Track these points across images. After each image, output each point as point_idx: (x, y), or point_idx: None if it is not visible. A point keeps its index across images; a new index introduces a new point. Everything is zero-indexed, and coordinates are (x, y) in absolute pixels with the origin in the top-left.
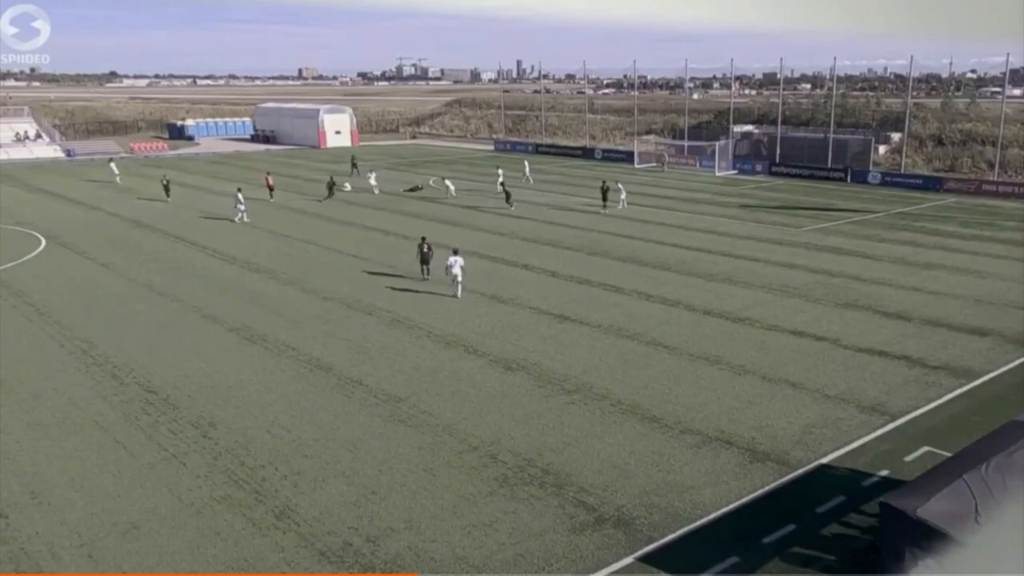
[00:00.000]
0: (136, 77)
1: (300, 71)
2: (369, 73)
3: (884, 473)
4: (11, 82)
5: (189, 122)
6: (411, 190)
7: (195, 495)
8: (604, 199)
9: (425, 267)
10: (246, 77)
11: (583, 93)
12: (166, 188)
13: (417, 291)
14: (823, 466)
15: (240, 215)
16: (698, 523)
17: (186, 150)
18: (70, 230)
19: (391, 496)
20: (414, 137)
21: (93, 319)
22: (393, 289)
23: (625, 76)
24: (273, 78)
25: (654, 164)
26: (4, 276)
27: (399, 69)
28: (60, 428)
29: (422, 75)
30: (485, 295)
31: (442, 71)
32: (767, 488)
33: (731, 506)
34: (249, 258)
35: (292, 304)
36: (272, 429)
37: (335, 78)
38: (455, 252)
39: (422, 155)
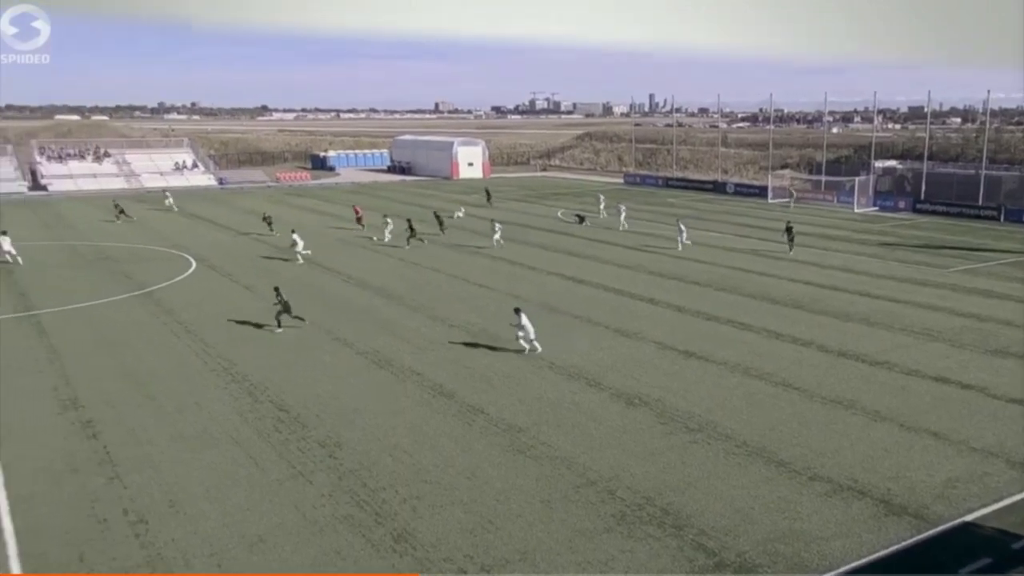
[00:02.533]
0: (285, 111)
1: (436, 104)
2: (502, 107)
3: None
4: (174, 115)
5: (331, 153)
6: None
7: (319, 513)
8: (791, 239)
9: (282, 317)
10: (386, 111)
11: (716, 127)
12: (267, 222)
13: (540, 323)
14: (967, 524)
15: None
16: None
17: (327, 180)
18: (218, 253)
19: (507, 526)
20: (544, 169)
21: (234, 338)
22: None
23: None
24: (411, 111)
25: (786, 200)
26: (158, 295)
27: (532, 103)
28: (199, 441)
29: (554, 108)
30: (609, 328)
31: (574, 105)
32: (903, 544)
33: (863, 560)
34: (380, 284)
35: (419, 330)
36: (394, 452)
37: (470, 111)
38: (518, 311)
39: (550, 187)
